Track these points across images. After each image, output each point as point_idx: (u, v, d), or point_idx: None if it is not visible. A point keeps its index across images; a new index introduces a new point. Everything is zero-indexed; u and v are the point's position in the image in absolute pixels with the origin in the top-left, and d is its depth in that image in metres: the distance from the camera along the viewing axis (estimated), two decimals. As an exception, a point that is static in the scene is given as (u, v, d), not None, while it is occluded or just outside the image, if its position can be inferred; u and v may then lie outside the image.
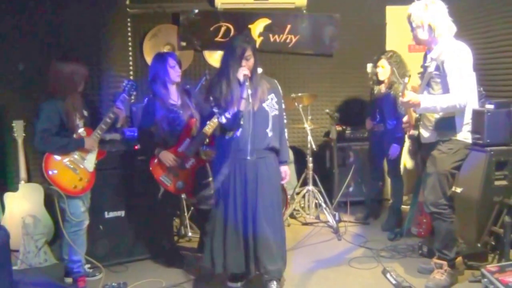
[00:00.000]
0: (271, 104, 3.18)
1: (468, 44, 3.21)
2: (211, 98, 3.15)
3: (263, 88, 3.15)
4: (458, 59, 3.07)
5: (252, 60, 3.08)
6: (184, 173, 3.71)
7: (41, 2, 4.37)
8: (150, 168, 3.69)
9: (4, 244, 2.90)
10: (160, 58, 3.71)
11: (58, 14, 4.44)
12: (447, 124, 3.19)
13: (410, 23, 3.22)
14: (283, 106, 3.31)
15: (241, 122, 3.06)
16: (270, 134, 3.15)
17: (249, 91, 3.00)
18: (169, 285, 3.50)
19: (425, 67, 3.25)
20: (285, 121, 3.35)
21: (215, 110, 3.14)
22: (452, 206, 3.26)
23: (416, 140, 3.46)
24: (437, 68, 3.13)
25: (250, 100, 3.00)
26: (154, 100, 3.65)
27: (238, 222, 3.12)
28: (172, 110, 3.65)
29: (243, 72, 3.02)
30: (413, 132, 3.43)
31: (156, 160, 3.67)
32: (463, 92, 3.04)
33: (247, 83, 3.01)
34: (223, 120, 3.08)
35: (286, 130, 3.36)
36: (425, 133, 3.32)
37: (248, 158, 3.03)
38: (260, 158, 3.12)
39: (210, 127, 3.67)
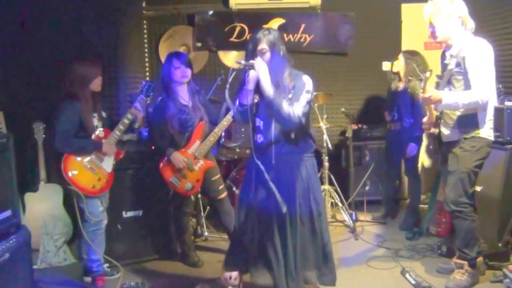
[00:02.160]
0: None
1: (486, 41, 3.17)
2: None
3: (283, 90, 2.76)
4: (480, 55, 3.03)
5: (268, 55, 2.78)
6: (193, 174, 3.72)
7: (58, 5, 4.42)
8: (160, 169, 3.71)
9: (26, 243, 2.95)
10: (167, 58, 3.73)
11: (75, 16, 4.49)
12: (469, 121, 3.15)
13: (435, 17, 3.12)
14: (306, 97, 2.81)
15: (259, 125, 2.85)
16: (293, 135, 2.87)
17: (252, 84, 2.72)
18: (187, 285, 3.51)
19: (444, 65, 3.21)
20: (301, 106, 2.80)
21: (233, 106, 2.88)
22: (473, 205, 3.22)
23: (436, 138, 3.41)
24: (458, 65, 3.09)
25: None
26: (167, 99, 3.67)
27: (267, 231, 2.89)
28: (183, 110, 3.66)
29: (250, 61, 2.71)
30: (433, 130, 3.38)
31: (165, 161, 3.69)
32: (484, 88, 3.00)
33: (250, 72, 2.70)
34: (232, 114, 2.90)
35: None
36: (446, 131, 3.27)
37: (273, 162, 2.84)
38: (286, 162, 2.88)
39: (219, 129, 3.69)
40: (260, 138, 2.90)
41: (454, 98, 3.04)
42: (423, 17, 3.23)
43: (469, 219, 3.20)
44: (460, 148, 3.19)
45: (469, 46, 3.06)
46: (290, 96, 2.77)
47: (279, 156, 2.85)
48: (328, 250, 2.99)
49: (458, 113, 3.18)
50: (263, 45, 2.76)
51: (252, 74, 2.71)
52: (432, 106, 3.25)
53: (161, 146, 3.70)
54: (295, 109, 2.71)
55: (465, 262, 3.26)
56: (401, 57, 4.45)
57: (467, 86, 3.08)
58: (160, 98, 3.74)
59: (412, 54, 4.43)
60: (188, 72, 3.67)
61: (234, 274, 3.05)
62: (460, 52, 3.08)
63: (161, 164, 3.72)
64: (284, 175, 2.88)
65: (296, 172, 2.89)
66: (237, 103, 2.79)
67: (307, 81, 2.83)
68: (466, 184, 3.17)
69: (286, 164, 2.88)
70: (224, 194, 3.87)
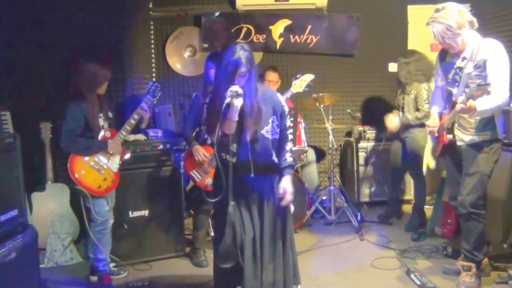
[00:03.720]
0: (271, 128, 2.68)
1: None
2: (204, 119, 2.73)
3: (261, 112, 2.62)
4: (502, 58, 2.97)
5: (246, 76, 2.55)
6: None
7: (66, 6, 4.46)
8: (183, 162, 3.81)
9: (33, 243, 2.98)
10: (206, 58, 3.86)
11: (83, 17, 4.53)
12: (488, 125, 3.10)
13: (449, 36, 3.01)
14: (289, 122, 2.82)
15: (233, 149, 2.63)
16: (276, 160, 2.72)
17: (236, 116, 2.55)
18: (193, 284, 3.53)
19: (458, 68, 3.13)
20: (290, 136, 2.87)
21: (204, 130, 2.75)
22: (485, 207, 3.20)
23: (448, 144, 3.30)
24: (477, 67, 2.99)
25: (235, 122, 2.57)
26: (201, 96, 3.77)
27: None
28: None
29: (230, 89, 2.50)
30: (449, 137, 3.28)
31: (189, 155, 3.79)
32: (507, 89, 2.94)
33: (235, 103, 2.50)
34: (209, 141, 2.68)
35: (290, 142, 2.83)
36: (463, 136, 3.21)
37: (252, 175, 2.65)
38: (265, 176, 2.73)
39: None
40: (235, 160, 2.67)
41: (486, 105, 2.91)
42: (432, 35, 3.11)
43: (483, 221, 3.18)
44: (480, 151, 3.14)
45: (487, 48, 2.98)
46: (272, 119, 2.67)
47: (256, 170, 2.66)
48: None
49: (477, 117, 3.09)
50: (243, 68, 2.52)
51: (237, 103, 2.51)
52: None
53: (188, 139, 3.82)
54: (289, 145, 2.76)
55: (473, 264, 3.24)
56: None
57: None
58: (195, 94, 3.91)
59: (407, 56, 4.44)
60: None
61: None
62: (476, 55, 3.00)
63: (186, 158, 3.81)
64: (264, 187, 2.73)
65: (274, 184, 2.74)
66: (219, 133, 2.54)
67: (284, 103, 2.75)
68: (485, 186, 3.15)
69: (264, 178, 2.72)
70: None
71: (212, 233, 4.49)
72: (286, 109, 2.75)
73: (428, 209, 4.64)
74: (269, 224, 2.71)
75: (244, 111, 2.56)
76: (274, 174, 2.75)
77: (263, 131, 2.65)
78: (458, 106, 2.94)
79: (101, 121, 3.54)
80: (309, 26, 5.49)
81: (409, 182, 5.11)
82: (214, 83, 2.64)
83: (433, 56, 4.66)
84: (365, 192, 5.20)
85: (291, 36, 5.50)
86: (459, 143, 3.24)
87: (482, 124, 3.12)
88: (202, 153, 3.70)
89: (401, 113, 4.50)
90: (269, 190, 2.73)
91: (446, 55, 3.25)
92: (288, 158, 2.75)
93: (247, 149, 2.61)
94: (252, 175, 2.64)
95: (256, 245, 2.69)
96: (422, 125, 4.24)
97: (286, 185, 2.67)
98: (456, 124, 3.24)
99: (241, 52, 2.51)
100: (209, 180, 3.74)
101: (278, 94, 2.79)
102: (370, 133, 5.32)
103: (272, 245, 2.73)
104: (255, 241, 2.69)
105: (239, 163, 2.65)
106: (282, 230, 2.76)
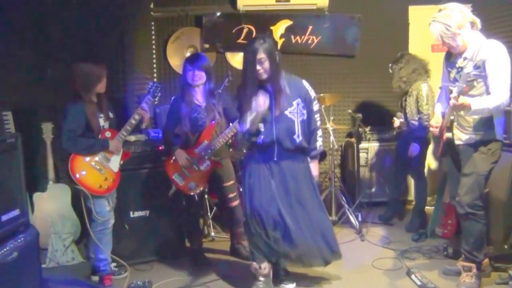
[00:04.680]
0: (297, 111, 3.05)
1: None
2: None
3: (284, 95, 3.02)
4: (502, 59, 2.96)
5: (267, 63, 2.95)
6: (198, 174, 3.73)
7: (67, 7, 4.47)
8: (165, 166, 3.76)
9: (34, 243, 2.98)
10: (184, 61, 3.82)
11: (84, 18, 4.54)
12: (485, 124, 3.09)
13: (450, 37, 3.02)
14: (316, 107, 3.19)
15: (260, 128, 3.02)
16: (298, 140, 3.07)
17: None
18: (194, 285, 3.53)
19: (459, 68, 3.11)
20: (318, 122, 3.22)
21: (238, 114, 3.14)
22: (485, 208, 3.20)
23: (447, 142, 3.30)
24: (476, 67, 2.97)
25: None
26: (180, 99, 3.75)
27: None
28: (195, 110, 3.71)
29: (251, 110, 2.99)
30: (448, 135, 3.27)
31: (171, 159, 3.74)
32: (506, 90, 2.93)
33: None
34: (238, 136, 3.12)
35: (319, 128, 3.23)
36: (460, 134, 3.20)
37: (275, 159, 3.04)
38: (288, 159, 3.08)
39: (223, 138, 3.70)
40: (260, 139, 3.05)
41: (482, 104, 2.93)
42: (433, 35, 3.11)
43: (481, 222, 3.17)
44: (477, 151, 3.13)
45: (487, 49, 2.98)
46: (297, 101, 3.04)
47: (281, 153, 3.04)
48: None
49: (475, 117, 3.10)
50: (261, 55, 2.91)
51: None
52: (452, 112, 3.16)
53: (170, 143, 3.77)
54: (318, 131, 3.19)
55: (473, 265, 3.23)
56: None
57: (487, 90, 3.00)
58: (174, 97, 3.85)
59: (399, 62, 4.47)
60: (201, 75, 3.70)
61: (264, 264, 3.16)
62: (476, 55, 2.99)
63: (167, 162, 3.77)
64: (289, 170, 3.07)
65: (299, 167, 3.11)
66: (245, 129, 2.99)
67: (309, 88, 3.11)
68: (482, 186, 3.15)
69: (288, 160, 3.07)
70: (235, 203, 3.87)
71: (212, 234, 4.51)
72: (312, 94, 3.13)
73: (429, 210, 4.64)
74: (295, 194, 3.07)
75: (270, 93, 2.96)
76: (296, 154, 3.09)
77: (286, 112, 3.01)
78: (451, 102, 2.97)
79: (102, 121, 3.55)
80: (310, 27, 5.50)
81: (412, 183, 5.11)
82: (242, 71, 3.02)
83: (433, 57, 4.68)
84: (366, 192, 5.19)
85: (292, 36, 5.51)
86: (457, 142, 3.24)
87: (481, 123, 3.12)
88: (185, 157, 3.66)
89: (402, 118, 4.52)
90: (292, 168, 3.08)
91: (452, 55, 3.26)
92: (318, 145, 3.17)
93: (272, 127, 2.99)
94: (275, 159, 3.05)
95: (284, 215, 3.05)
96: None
97: (313, 170, 3.17)
98: (455, 123, 3.25)
99: (259, 42, 2.93)
100: (192, 184, 3.73)
101: (304, 81, 3.15)
102: (371, 133, 5.33)
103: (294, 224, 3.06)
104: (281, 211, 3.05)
105: (264, 141, 3.02)
106: (310, 199, 3.14)
